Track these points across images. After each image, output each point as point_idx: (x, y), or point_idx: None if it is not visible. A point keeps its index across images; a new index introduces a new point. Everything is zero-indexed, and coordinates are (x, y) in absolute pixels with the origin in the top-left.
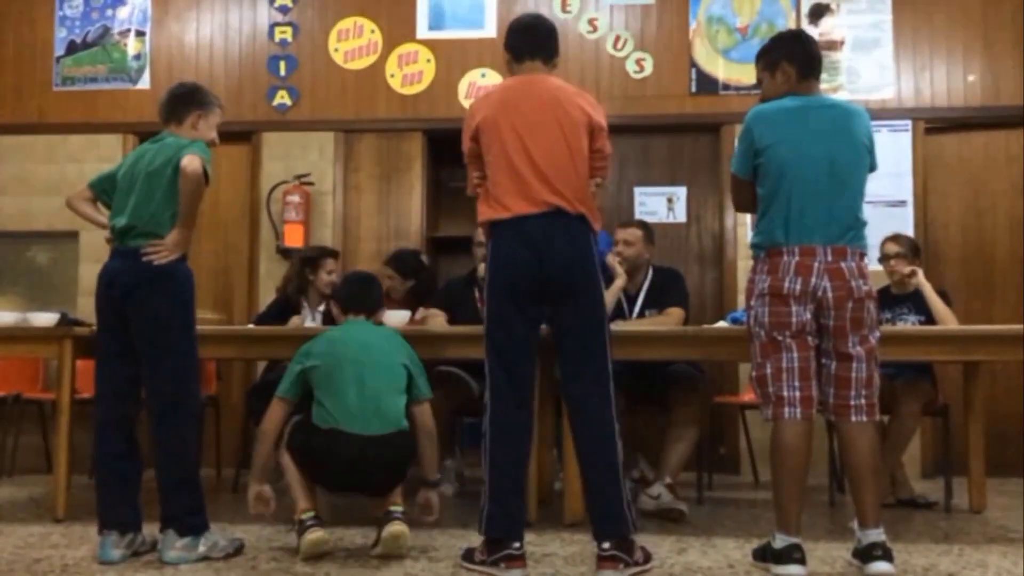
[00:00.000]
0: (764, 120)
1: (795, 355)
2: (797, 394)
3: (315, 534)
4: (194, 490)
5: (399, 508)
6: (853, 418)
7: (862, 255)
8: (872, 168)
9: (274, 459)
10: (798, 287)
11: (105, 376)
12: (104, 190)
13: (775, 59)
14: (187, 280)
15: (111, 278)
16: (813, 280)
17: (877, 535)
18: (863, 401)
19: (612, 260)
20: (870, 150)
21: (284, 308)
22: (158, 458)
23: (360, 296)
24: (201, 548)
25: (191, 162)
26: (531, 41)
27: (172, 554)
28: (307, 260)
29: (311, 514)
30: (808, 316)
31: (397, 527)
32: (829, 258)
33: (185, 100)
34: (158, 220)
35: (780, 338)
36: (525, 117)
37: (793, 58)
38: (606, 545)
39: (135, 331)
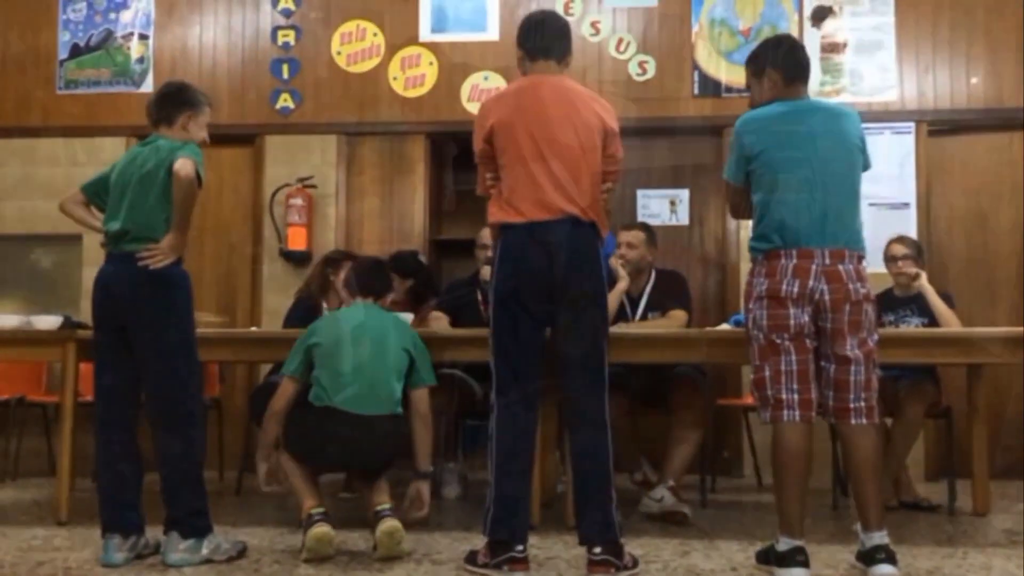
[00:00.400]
0: (754, 126)
1: (793, 358)
2: (796, 397)
3: (321, 529)
4: (198, 492)
5: (387, 506)
6: (853, 421)
7: (860, 258)
8: (866, 167)
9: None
10: (796, 289)
11: (104, 380)
12: (96, 193)
13: (761, 66)
14: (184, 283)
15: (107, 283)
16: (811, 283)
17: (880, 538)
18: (862, 404)
19: (615, 263)
20: (862, 150)
21: (308, 308)
22: (162, 461)
23: (368, 280)
24: (204, 550)
25: (184, 165)
26: (545, 39)
27: (175, 556)
28: (329, 261)
29: (320, 510)
30: (806, 318)
31: (389, 523)
32: (827, 261)
33: (174, 101)
34: (152, 224)
35: (779, 341)
36: (541, 122)
37: (778, 64)
38: (597, 549)
39: (134, 336)
